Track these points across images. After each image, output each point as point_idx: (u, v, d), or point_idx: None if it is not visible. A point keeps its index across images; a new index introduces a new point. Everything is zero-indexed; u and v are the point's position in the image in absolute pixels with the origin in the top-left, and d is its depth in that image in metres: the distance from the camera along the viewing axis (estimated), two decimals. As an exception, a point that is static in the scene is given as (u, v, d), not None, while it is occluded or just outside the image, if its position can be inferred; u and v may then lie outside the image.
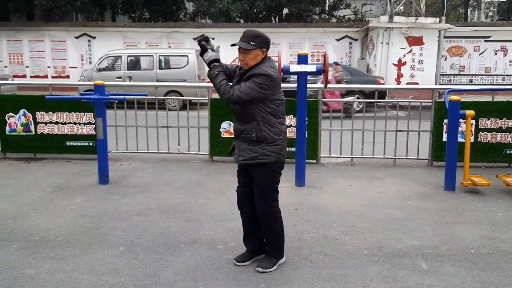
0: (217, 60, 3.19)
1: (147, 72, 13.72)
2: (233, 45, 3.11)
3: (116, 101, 6.00)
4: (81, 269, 3.27)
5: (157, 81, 12.71)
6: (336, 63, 12.87)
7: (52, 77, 18.53)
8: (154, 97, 6.75)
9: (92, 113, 6.22)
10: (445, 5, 19.38)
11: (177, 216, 4.32)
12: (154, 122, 6.66)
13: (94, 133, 5.89)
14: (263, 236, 3.34)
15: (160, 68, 13.74)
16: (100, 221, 4.18)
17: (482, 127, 6.12)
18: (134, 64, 14.04)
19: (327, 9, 22.70)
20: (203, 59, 3.23)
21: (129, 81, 13.20)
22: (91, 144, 6.43)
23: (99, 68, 13.78)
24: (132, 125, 6.71)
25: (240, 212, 3.39)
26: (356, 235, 3.91)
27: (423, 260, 3.42)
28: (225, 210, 4.49)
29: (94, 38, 18.42)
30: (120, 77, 13.44)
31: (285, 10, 21.62)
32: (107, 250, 3.56)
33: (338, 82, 11.68)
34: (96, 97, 5.12)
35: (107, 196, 4.93)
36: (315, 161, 6.43)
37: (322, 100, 6.48)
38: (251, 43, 3.06)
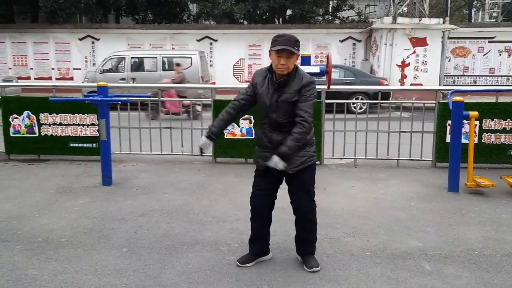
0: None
1: (150, 73, 13.77)
2: (283, 50, 2.97)
3: (120, 102, 6.01)
4: (84, 270, 3.27)
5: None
6: (178, 64, 12.05)
7: (56, 78, 18.62)
8: (158, 98, 6.76)
9: (96, 115, 6.24)
10: (449, 6, 19.31)
11: (180, 217, 4.33)
12: (157, 123, 6.67)
13: (98, 135, 5.91)
14: (307, 235, 3.32)
15: (164, 69, 13.78)
16: (103, 222, 4.18)
17: (486, 128, 6.10)
18: (138, 65, 14.09)
19: (330, 11, 22.69)
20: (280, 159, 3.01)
21: (133, 82, 13.25)
22: (94, 145, 6.45)
23: (103, 70, 13.84)
24: (136, 126, 6.72)
25: (255, 215, 3.32)
26: (359, 236, 3.90)
27: (426, 262, 3.40)
28: (228, 211, 4.49)
29: (98, 39, 18.50)
30: (123, 79, 13.50)
31: (289, 12, 21.63)
32: (110, 251, 3.57)
33: (178, 83, 11.12)
34: (99, 98, 5.14)
35: (110, 197, 4.94)
36: (318, 162, 6.41)
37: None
38: (295, 48, 3.00)
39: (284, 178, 3.26)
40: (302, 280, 3.13)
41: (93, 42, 18.55)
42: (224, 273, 3.24)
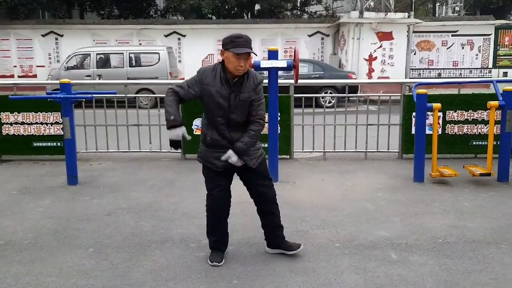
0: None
1: (117, 70, 13.51)
2: (249, 53, 3.00)
3: (84, 99, 5.87)
4: (48, 272, 3.18)
5: (128, 79, 12.52)
6: None
7: (19, 76, 18.01)
8: (124, 95, 6.63)
9: (60, 113, 6.06)
10: (413, 0, 19.72)
11: (149, 215, 4.27)
12: (124, 121, 6.55)
13: (62, 133, 5.75)
14: (279, 220, 3.36)
15: (131, 66, 13.54)
16: (69, 223, 4.08)
17: (449, 120, 6.26)
18: (104, 62, 13.80)
19: (298, 5, 22.81)
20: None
21: (99, 79, 12.96)
22: (59, 144, 6.28)
23: (67, 67, 13.49)
24: (102, 124, 6.58)
25: (220, 218, 3.27)
26: (328, 228, 3.95)
27: (392, 251, 3.48)
28: (198, 207, 4.44)
29: (61, 36, 17.99)
30: (89, 76, 13.19)
31: (257, 6, 21.62)
32: (76, 252, 3.48)
33: None
34: (62, 96, 5.00)
35: (76, 197, 4.82)
36: (288, 156, 6.45)
37: None
38: (251, 48, 3.04)
39: (240, 174, 3.26)
40: (272, 274, 3.14)
41: (56, 39, 18.02)
42: (193, 269, 3.21)
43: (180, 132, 3.08)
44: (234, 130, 3.14)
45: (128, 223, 4.07)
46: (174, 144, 3.14)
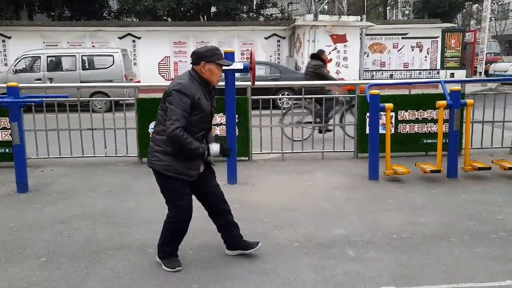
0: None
1: (69, 73, 13.04)
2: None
3: (33, 103, 5.64)
4: (-3, 285, 3.03)
5: (81, 82, 12.16)
6: None
7: (-37, 80, 17.05)
8: (76, 98, 6.42)
9: (7, 118, 5.79)
10: (365, 4, 20.31)
11: (104, 221, 4.15)
12: (77, 125, 6.34)
13: (10, 139, 5.49)
14: (233, 221, 3.39)
15: (84, 68, 13.13)
16: (19, 232, 3.90)
17: (401, 119, 6.48)
18: (55, 65, 13.31)
19: (254, 8, 22.93)
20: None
21: (50, 82, 12.49)
22: (7, 150, 5.99)
23: (16, 70, 12.92)
24: (53, 128, 6.34)
25: (185, 228, 3.25)
26: (287, 228, 3.98)
27: (350, 248, 3.55)
28: (155, 212, 4.37)
29: (9, 38, 17.21)
30: (39, 79, 12.68)
31: (213, 9, 21.54)
32: (27, 263, 3.33)
33: None
34: (9, 100, 4.78)
35: (27, 205, 4.62)
36: (247, 158, 6.46)
37: None
38: None
39: (198, 179, 3.23)
40: (232, 276, 3.13)
41: (3, 41, 17.22)
42: (152, 275, 3.15)
43: (215, 148, 3.17)
44: (206, 137, 3.23)
45: (82, 230, 3.94)
46: (223, 152, 3.25)
